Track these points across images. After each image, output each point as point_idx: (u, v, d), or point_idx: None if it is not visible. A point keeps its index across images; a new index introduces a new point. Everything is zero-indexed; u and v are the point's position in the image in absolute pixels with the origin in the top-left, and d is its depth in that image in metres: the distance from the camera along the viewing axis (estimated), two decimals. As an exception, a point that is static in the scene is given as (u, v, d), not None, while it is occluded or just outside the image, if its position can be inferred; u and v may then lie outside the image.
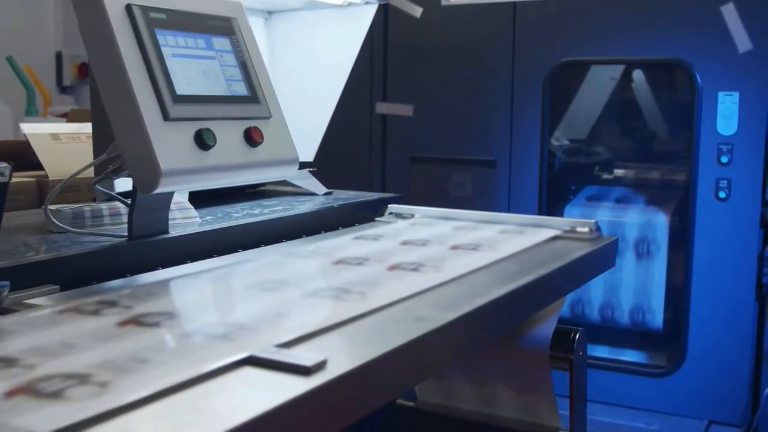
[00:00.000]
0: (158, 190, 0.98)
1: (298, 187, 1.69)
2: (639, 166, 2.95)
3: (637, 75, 2.96)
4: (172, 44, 1.04)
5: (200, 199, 1.44)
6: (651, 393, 2.58)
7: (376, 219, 1.53)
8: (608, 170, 2.96)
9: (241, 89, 1.13)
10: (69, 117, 1.92)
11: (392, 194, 1.64)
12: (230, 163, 1.07)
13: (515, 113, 2.71)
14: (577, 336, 1.33)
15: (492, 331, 1.03)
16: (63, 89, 3.90)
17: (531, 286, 1.05)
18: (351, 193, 1.68)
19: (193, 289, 0.98)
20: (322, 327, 0.79)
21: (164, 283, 1.00)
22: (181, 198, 1.33)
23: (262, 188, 1.75)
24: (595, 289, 2.81)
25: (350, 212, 1.52)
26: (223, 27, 1.14)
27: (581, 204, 2.88)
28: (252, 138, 1.10)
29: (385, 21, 2.83)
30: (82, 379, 0.62)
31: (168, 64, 1.02)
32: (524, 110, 2.70)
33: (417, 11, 2.77)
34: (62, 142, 1.54)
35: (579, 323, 2.78)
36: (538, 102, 2.68)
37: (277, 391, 0.64)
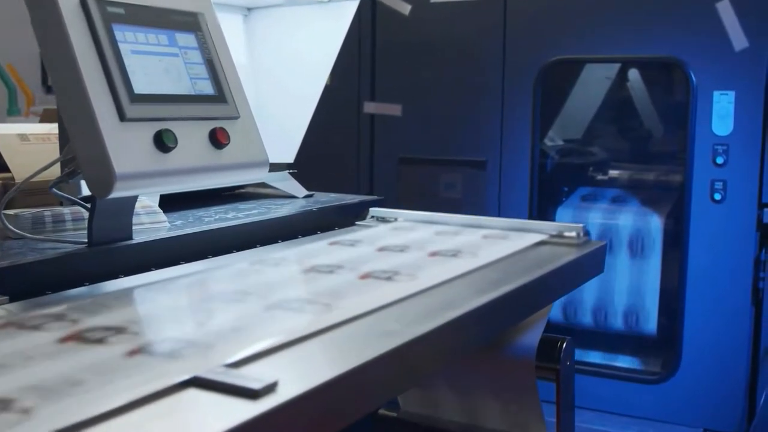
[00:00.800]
0: (113, 195, 0.92)
1: (278, 189, 1.63)
2: (632, 168, 2.91)
3: (631, 74, 2.91)
4: (131, 40, 0.99)
5: (174, 203, 1.39)
6: (645, 400, 2.53)
7: (357, 223, 1.47)
8: (601, 171, 2.92)
9: (206, 88, 1.07)
10: (42, 117, 1.86)
11: (374, 197, 1.58)
12: (193, 166, 1.02)
13: (506, 113, 2.66)
14: (564, 345, 1.28)
15: (468, 344, 0.97)
16: (48, 89, 3.82)
17: (512, 296, 0.99)
18: (332, 195, 1.63)
19: (151, 300, 0.92)
20: (282, 342, 0.74)
21: (121, 293, 0.94)
22: (150, 202, 1.27)
23: (240, 191, 1.69)
24: (588, 293, 2.76)
25: (329, 216, 1.47)
26: (189, 22, 1.08)
27: (574, 206, 2.83)
28: (217, 139, 1.04)
29: (373, 19, 2.78)
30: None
31: (126, 61, 0.96)
32: (515, 110, 2.65)
33: (406, 9, 2.72)
34: (31, 143, 1.47)
35: (571, 328, 2.74)
36: (529, 101, 2.63)
37: (220, 417, 0.59)
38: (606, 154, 2.96)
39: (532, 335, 1.27)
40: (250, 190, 1.69)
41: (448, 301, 0.92)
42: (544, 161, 2.85)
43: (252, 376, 0.64)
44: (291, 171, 1.65)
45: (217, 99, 1.08)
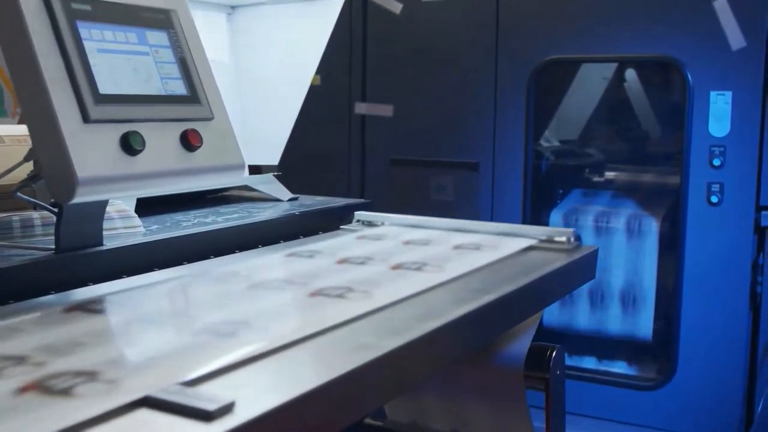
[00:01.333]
0: (75, 200, 0.88)
1: (263, 192, 1.59)
2: (628, 170, 2.86)
3: (627, 74, 2.86)
4: (97, 38, 0.94)
5: (153, 206, 1.34)
6: (640, 406, 2.49)
7: (342, 227, 1.43)
8: (596, 174, 2.88)
9: (178, 88, 1.03)
10: (21, 119, 1.82)
11: (359, 200, 1.54)
12: (163, 169, 0.98)
13: (499, 114, 2.62)
14: (554, 354, 1.24)
15: (454, 354, 0.93)
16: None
17: (499, 304, 0.95)
18: (318, 198, 1.59)
19: (113, 311, 0.88)
20: (245, 358, 0.70)
21: (85, 304, 0.90)
22: (125, 206, 1.23)
23: (224, 194, 1.65)
24: (583, 298, 2.72)
25: (312, 220, 1.42)
26: (160, 20, 1.04)
27: (567, 209, 2.78)
28: (189, 141, 1.00)
29: (364, 18, 2.73)
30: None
31: (91, 60, 0.92)
32: (508, 110, 2.61)
33: (397, 8, 2.68)
34: (6, 145, 1.43)
35: (566, 333, 2.70)
36: (522, 102, 2.58)
37: (169, 442, 0.54)
38: (601, 156, 2.92)
39: (521, 343, 1.23)
40: (235, 193, 1.65)
41: (425, 313, 0.88)
42: (538, 163, 2.81)
43: (207, 396, 0.60)
44: (276, 174, 1.61)
45: (190, 99, 1.04)
